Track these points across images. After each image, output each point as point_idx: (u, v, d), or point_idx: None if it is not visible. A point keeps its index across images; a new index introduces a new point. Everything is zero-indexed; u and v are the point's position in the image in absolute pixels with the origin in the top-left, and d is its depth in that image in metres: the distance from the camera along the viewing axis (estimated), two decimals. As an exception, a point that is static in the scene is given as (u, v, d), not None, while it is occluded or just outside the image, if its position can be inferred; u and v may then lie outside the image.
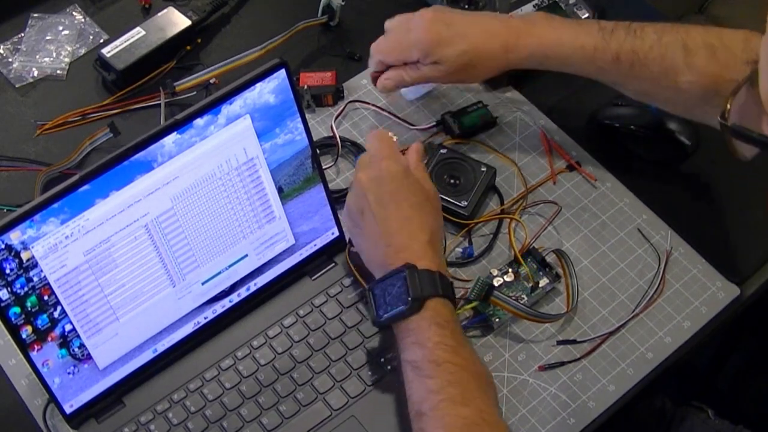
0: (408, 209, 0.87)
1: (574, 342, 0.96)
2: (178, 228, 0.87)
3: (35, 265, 0.80)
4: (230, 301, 0.95)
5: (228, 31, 1.21)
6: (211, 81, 1.10)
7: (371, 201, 0.88)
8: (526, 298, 0.97)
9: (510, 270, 0.98)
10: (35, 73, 1.16)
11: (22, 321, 0.82)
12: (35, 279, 0.81)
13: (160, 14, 1.16)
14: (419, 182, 0.90)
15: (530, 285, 0.97)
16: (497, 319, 0.96)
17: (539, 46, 0.98)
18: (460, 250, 1.02)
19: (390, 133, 0.99)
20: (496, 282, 0.97)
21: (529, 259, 0.99)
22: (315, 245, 0.98)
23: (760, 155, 0.91)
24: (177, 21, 1.16)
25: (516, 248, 1.00)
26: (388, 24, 1.05)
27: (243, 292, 0.95)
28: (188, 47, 1.17)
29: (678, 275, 1.01)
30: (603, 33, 0.96)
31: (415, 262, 0.84)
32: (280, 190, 0.92)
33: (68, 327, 0.84)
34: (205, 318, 0.94)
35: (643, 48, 0.94)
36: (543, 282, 0.97)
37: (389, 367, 0.93)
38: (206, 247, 0.90)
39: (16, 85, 1.15)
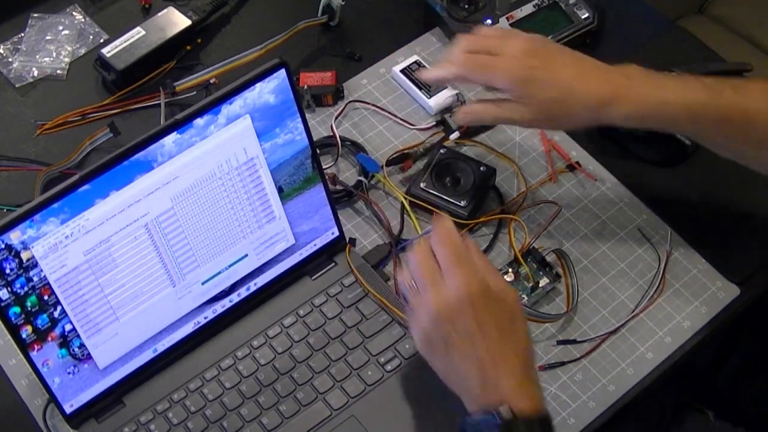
0: (496, 335, 0.77)
1: (574, 342, 0.96)
2: (178, 228, 0.87)
3: (35, 265, 0.80)
4: (230, 301, 0.95)
5: (228, 31, 1.21)
6: (211, 81, 1.10)
7: (454, 332, 0.77)
8: (526, 298, 0.97)
9: (510, 270, 0.98)
10: (35, 73, 1.16)
11: (22, 321, 0.82)
12: (35, 279, 0.81)
13: (160, 14, 1.16)
14: (500, 294, 0.79)
15: (530, 285, 0.97)
16: None
17: (641, 105, 0.89)
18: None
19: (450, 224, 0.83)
20: None
21: (529, 259, 0.99)
22: (315, 245, 0.98)
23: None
24: (177, 21, 1.16)
25: (516, 248, 1.00)
26: (484, 32, 0.96)
27: (243, 292, 0.95)
28: (188, 47, 1.17)
29: (678, 275, 1.01)
30: (709, 91, 0.88)
31: (512, 402, 0.74)
32: (280, 190, 0.92)
33: (68, 327, 0.84)
34: (205, 318, 0.94)
35: (753, 107, 0.88)
36: (543, 282, 0.97)
37: (389, 367, 0.93)
38: (206, 247, 0.90)
39: (16, 85, 1.15)
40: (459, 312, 0.77)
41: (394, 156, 1.07)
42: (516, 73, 0.90)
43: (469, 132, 1.09)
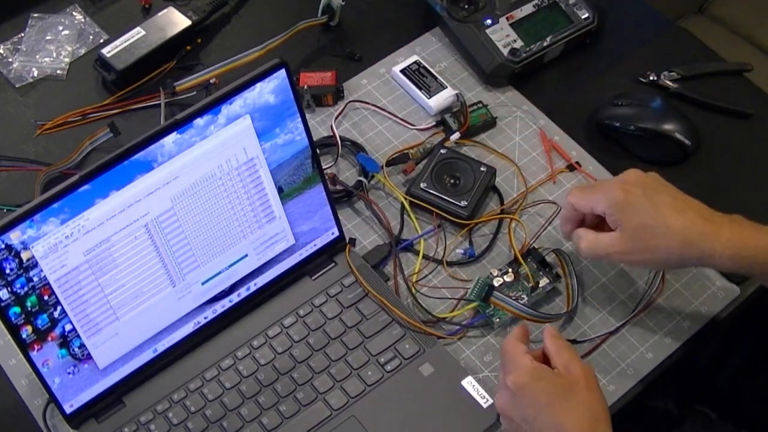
0: (552, 416, 0.80)
1: (574, 342, 0.96)
2: (178, 228, 0.87)
3: (35, 265, 0.80)
4: (230, 301, 0.95)
5: (228, 31, 1.21)
6: (211, 81, 1.10)
7: (516, 417, 0.82)
8: (526, 298, 0.97)
9: (510, 270, 0.98)
10: (35, 73, 1.16)
11: (22, 321, 0.82)
12: (35, 279, 0.81)
13: (160, 14, 1.16)
14: (555, 379, 0.81)
15: (530, 285, 0.97)
16: (497, 319, 0.96)
17: (741, 244, 0.86)
18: (461, 250, 1.02)
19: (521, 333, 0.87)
20: (496, 282, 0.97)
21: (529, 259, 0.99)
22: (315, 245, 0.98)
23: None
24: (177, 21, 1.16)
25: (516, 248, 1.00)
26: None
27: (243, 292, 0.95)
28: (188, 47, 1.17)
29: (678, 275, 1.01)
30: None
31: None
32: (280, 190, 0.92)
33: (68, 327, 0.84)
34: (205, 318, 0.94)
35: None
36: (543, 282, 0.97)
37: (389, 367, 0.93)
38: (206, 247, 0.90)
39: (16, 85, 1.15)
40: (514, 405, 0.82)
41: (394, 156, 1.07)
42: (616, 195, 0.88)
43: (469, 132, 1.10)
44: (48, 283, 0.81)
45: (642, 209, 0.87)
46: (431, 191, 1.02)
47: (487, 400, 0.91)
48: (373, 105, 1.13)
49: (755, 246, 0.85)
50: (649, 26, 1.24)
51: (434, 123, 1.11)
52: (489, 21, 1.14)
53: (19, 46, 1.18)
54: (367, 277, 0.97)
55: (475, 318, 0.96)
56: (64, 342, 0.85)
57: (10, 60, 1.17)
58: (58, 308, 0.83)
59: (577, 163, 1.09)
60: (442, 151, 1.06)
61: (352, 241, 1.00)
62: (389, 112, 1.12)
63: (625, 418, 0.94)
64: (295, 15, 1.16)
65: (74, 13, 1.21)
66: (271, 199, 0.92)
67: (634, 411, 0.94)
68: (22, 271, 0.79)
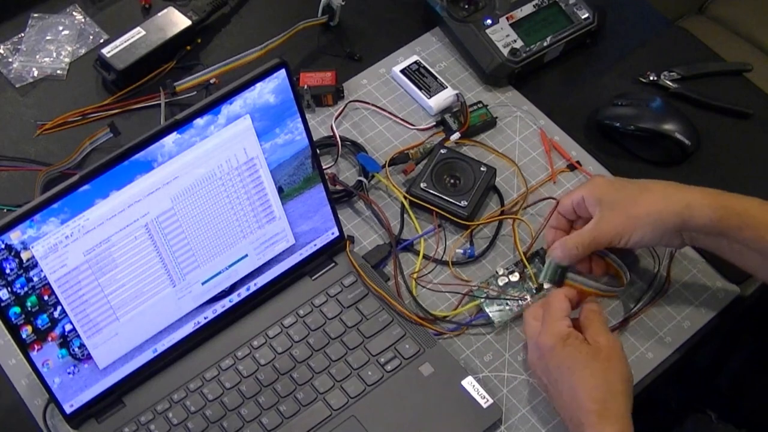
0: (565, 381, 0.86)
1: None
2: (178, 228, 0.87)
3: (35, 265, 0.80)
4: (230, 301, 0.95)
5: (228, 31, 1.21)
6: (211, 81, 1.10)
7: (542, 375, 0.90)
8: (529, 299, 0.96)
9: (516, 270, 0.98)
10: (35, 73, 1.16)
11: (22, 321, 0.82)
12: (35, 279, 0.81)
13: (160, 14, 1.16)
14: (580, 346, 0.86)
15: (534, 287, 0.97)
16: (498, 319, 0.96)
17: (720, 196, 0.89)
18: (461, 250, 1.02)
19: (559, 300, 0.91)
20: (501, 281, 0.97)
21: (536, 260, 0.99)
22: (315, 245, 0.98)
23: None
24: (177, 21, 1.16)
25: (521, 250, 1.00)
26: None
27: (243, 292, 0.95)
28: (188, 47, 1.17)
29: (678, 275, 1.01)
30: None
31: None
32: (280, 190, 0.92)
33: (68, 327, 0.84)
34: (205, 318, 0.94)
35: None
36: (547, 285, 0.96)
37: (389, 367, 0.93)
38: (206, 247, 0.90)
39: (16, 85, 1.15)
40: (540, 359, 0.89)
41: (395, 156, 1.07)
42: (595, 179, 0.96)
43: (469, 132, 1.10)
44: (48, 283, 0.81)
45: (620, 184, 0.94)
46: (431, 191, 1.02)
47: (488, 400, 0.91)
48: (373, 105, 1.13)
49: (731, 196, 0.89)
50: (649, 26, 1.24)
51: (434, 123, 1.11)
52: (489, 21, 1.14)
53: (19, 46, 1.18)
54: (368, 277, 0.97)
55: (477, 316, 0.96)
56: (64, 342, 0.85)
57: (10, 60, 1.17)
58: (58, 308, 0.83)
59: (578, 162, 1.09)
60: (442, 151, 1.06)
61: (350, 238, 1.00)
62: (389, 112, 1.12)
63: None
64: (295, 15, 1.16)
65: (74, 13, 1.21)
66: (271, 199, 0.92)
67: (635, 411, 0.93)
68: (22, 271, 0.79)
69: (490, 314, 0.96)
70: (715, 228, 0.88)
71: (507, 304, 0.96)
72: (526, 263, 0.98)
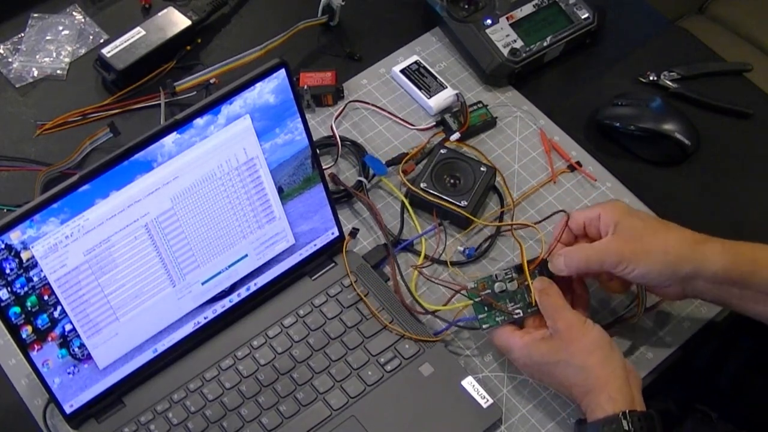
0: (561, 369, 0.87)
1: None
2: (178, 228, 0.87)
3: (35, 264, 0.80)
4: (230, 301, 0.95)
5: (228, 31, 1.21)
6: (211, 81, 1.10)
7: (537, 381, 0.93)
8: (521, 313, 0.91)
9: (515, 279, 0.92)
10: (35, 73, 1.16)
11: (22, 321, 0.82)
12: (35, 279, 0.81)
13: (160, 14, 1.16)
14: (540, 346, 0.88)
15: (528, 301, 0.91)
16: (485, 325, 0.93)
17: (738, 249, 0.88)
18: (461, 248, 1.02)
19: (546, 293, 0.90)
20: (498, 288, 0.92)
21: (536, 273, 0.93)
22: (315, 245, 0.98)
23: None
24: (177, 21, 1.16)
25: (525, 261, 0.93)
26: None
27: (243, 292, 0.95)
28: (188, 47, 1.17)
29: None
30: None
31: (592, 411, 0.85)
32: (280, 190, 0.92)
33: (68, 327, 0.84)
34: (205, 318, 0.94)
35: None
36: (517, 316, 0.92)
37: (389, 367, 0.93)
38: (206, 247, 0.90)
39: (16, 85, 1.15)
40: (524, 364, 0.90)
41: (399, 157, 1.07)
42: (616, 202, 0.93)
43: (469, 132, 1.10)
44: (48, 283, 0.81)
45: (642, 215, 0.91)
46: (431, 191, 1.02)
47: (488, 400, 0.91)
48: (373, 105, 1.13)
49: (742, 243, 0.89)
50: (649, 26, 1.24)
51: (434, 123, 1.11)
52: (489, 21, 1.14)
53: (19, 46, 1.18)
54: (367, 277, 0.97)
55: (471, 317, 0.94)
56: (64, 342, 0.85)
57: (10, 60, 1.17)
58: (58, 308, 0.83)
59: (578, 163, 1.09)
60: (442, 151, 1.06)
61: (355, 232, 1.01)
62: (389, 112, 1.12)
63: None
64: (295, 15, 1.16)
65: (74, 13, 1.21)
66: (271, 199, 0.92)
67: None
68: (22, 271, 0.79)
69: (481, 321, 0.91)
70: (728, 275, 0.87)
71: (498, 314, 0.91)
72: (529, 278, 0.92)
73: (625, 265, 0.87)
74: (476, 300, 0.91)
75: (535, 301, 0.91)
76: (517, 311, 0.91)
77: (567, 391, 0.88)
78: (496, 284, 0.93)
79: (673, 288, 0.90)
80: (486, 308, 0.92)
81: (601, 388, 0.84)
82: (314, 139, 0.93)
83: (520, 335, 0.89)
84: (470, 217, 1.01)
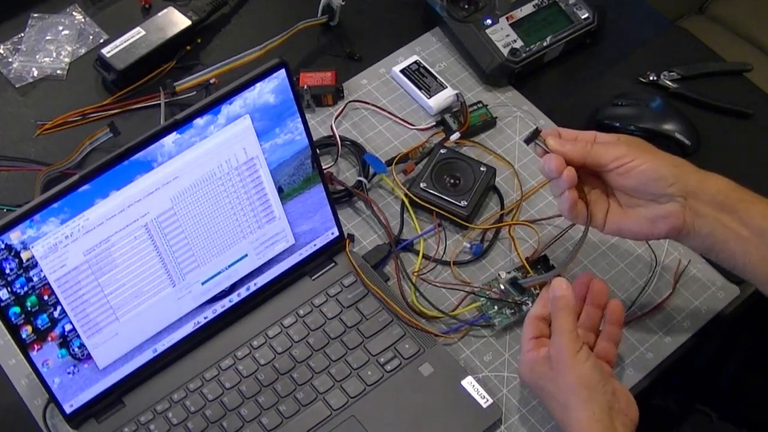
0: (550, 400, 0.85)
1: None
2: (178, 228, 0.87)
3: (35, 264, 0.80)
4: (230, 301, 0.95)
5: (228, 31, 1.21)
6: (211, 81, 1.10)
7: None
8: (530, 304, 0.95)
9: (518, 275, 0.97)
10: (35, 73, 1.16)
11: (22, 321, 0.82)
12: (35, 279, 0.81)
13: (160, 14, 1.16)
14: (542, 371, 0.85)
15: (537, 292, 0.95)
16: (499, 320, 0.96)
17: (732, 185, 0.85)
18: (468, 244, 1.01)
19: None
20: (504, 285, 0.97)
21: (539, 267, 0.99)
22: (315, 245, 0.98)
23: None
24: (177, 21, 1.16)
25: (524, 259, 0.98)
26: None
27: (243, 292, 0.95)
28: (188, 47, 1.17)
29: (678, 275, 1.01)
30: None
31: None
32: (280, 190, 0.92)
33: (68, 327, 0.84)
34: (205, 318, 0.94)
35: None
36: (526, 307, 0.96)
37: (389, 367, 0.93)
38: (206, 247, 0.90)
39: (16, 85, 1.15)
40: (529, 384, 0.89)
41: (399, 157, 1.07)
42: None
43: (469, 132, 1.10)
44: (48, 283, 0.81)
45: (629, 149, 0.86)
46: (431, 191, 1.02)
47: (487, 400, 0.91)
48: (373, 105, 1.13)
49: (743, 189, 0.85)
50: (649, 26, 1.24)
51: (434, 123, 1.11)
52: (489, 21, 1.14)
53: (19, 46, 1.18)
54: (368, 277, 0.97)
55: (479, 318, 0.96)
56: (64, 342, 0.85)
57: (10, 60, 1.17)
58: (58, 308, 0.83)
59: (577, 163, 1.08)
60: (442, 151, 1.06)
61: (351, 237, 1.00)
62: (389, 112, 1.12)
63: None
64: (295, 15, 1.16)
65: (74, 13, 1.21)
66: (271, 199, 0.92)
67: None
68: (22, 271, 0.79)
69: (492, 317, 0.95)
70: (727, 199, 0.83)
71: (509, 307, 0.96)
72: (529, 269, 0.98)
73: (631, 157, 0.83)
74: (485, 297, 0.94)
75: (521, 306, 0.95)
76: (526, 302, 0.95)
77: (557, 423, 0.86)
78: (501, 282, 0.97)
79: (673, 204, 0.84)
80: (495, 306, 0.95)
81: (579, 430, 0.81)
82: (314, 139, 0.93)
83: (532, 346, 0.87)
84: (465, 223, 1.02)
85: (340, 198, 1.05)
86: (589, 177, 0.88)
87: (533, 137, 0.87)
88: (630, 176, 0.84)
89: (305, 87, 1.11)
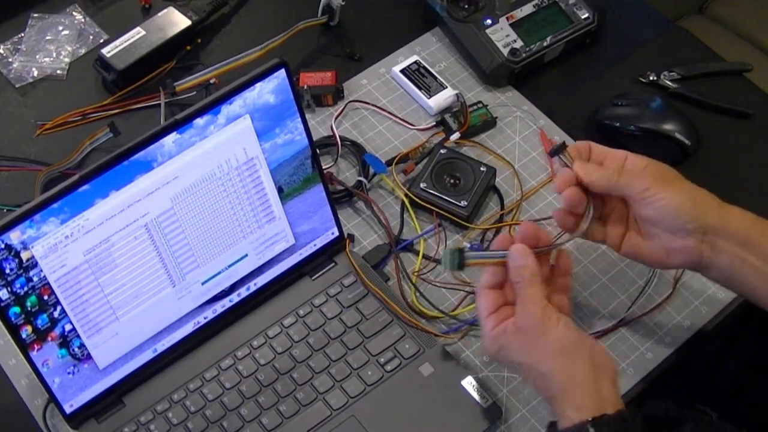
0: (528, 372, 0.82)
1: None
2: (178, 228, 0.87)
3: (35, 264, 0.80)
4: (230, 301, 0.95)
5: (228, 31, 1.21)
6: (211, 81, 1.10)
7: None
8: None
9: None
10: (35, 73, 1.16)
11: (22, 321, 0.82)
12: (35, 279, 0.81)
13: (160, 14, 1.16)
14: (512, 339, 0.82)
15: None
16: None
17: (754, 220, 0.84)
18: (467, 244, 1.01)
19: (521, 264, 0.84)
20: None
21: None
22: (315, 245, 0.98)
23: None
24: (177, 21, 1.16)
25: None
26: None
27: (243, 292, 0.95)
28: (188, 47, 1.17)
29: (678, 274, 1.01)
30: None
31: (559, 419, 0.79)
32: (280, 190, 0.92)
33: (68, 327, 0.84)
34: (205, 318, 0.94)
35: None
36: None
37: (389, 367, 0.93)
38: (206, 247, 0.90)
39: (16, 85, 1.15)
40: (499, 353, 0.84)
41: (399, 158, 1.07)
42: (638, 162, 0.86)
43: (469, 132, 1.10)
44: (48, 283, 0.81)
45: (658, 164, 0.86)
46: (431, 191, 1.02)
47: (488, 400, 0.91)
48: (373, 105, 1.13)
49: (765, 222, 0.84)
50: (649, 26, 1.24)
51: (434, 123, 1.11)
52: (489, 21, 1.14)
53: (19, 46, 1.18)
54: (368, 277, 0.97)
55: (476, 318, 0.96)
56: (64, 342, 0.85)
57: (10, 60, 1.17)
58: (58, 308, 0.83)
59: (577, 163, 1.08)
60: (442, 151, 1.06)
61: (350, 237, 1.00)
62: (389, 112, 1.12)
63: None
64: (295, 15, 1.16)
65: (74, 13, 1.21)
66: (271, 199, 0.92)
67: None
68: (22, 271, 0.79)
69: None
70: (749, 235, 0.82)
71: None
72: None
73: (654, 191, 0.82)
74: (458, 268, 0.89)
75: None
76: None
77: (537, 392, 0.84)
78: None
79: (691, 239, 0.83)
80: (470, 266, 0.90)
81: (564, 396, 0.79)
82: (314, 139, 0.93)
83: (493, 321, 0.83)
84: (465, 223, 1.01)
85: (340, 198, 1.05)
86: (613, 196, 0.88)
87: (559, 150, 0.86)
88: (650, 208, 0.84)
89: (305, 87, 1.11)
